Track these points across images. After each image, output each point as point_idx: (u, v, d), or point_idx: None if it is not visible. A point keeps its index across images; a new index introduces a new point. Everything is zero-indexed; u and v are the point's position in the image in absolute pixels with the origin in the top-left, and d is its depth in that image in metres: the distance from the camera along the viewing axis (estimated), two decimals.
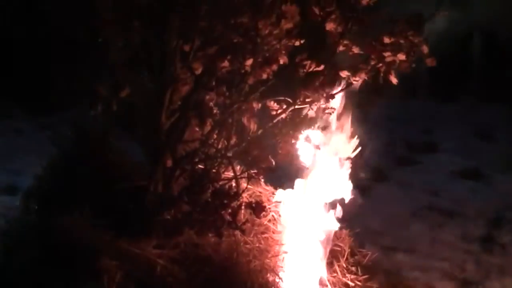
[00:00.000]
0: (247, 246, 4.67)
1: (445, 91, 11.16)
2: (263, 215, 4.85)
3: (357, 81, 4.79)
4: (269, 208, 5.01)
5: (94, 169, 4.70)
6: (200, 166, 4.62)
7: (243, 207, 4.46)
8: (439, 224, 6.98)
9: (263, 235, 4.78)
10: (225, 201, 4.26)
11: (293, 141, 4.65)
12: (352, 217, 6.62)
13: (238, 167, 4.62)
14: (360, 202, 5.35)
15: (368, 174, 7.87)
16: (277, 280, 4.59)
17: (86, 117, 4.64)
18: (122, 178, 4.60)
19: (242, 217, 4.54)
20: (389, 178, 8.23)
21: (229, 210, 4.28)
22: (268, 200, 5.12)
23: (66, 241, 4.35)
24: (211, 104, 4.62)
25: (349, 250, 5.16)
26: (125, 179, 4.59)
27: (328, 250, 4.81)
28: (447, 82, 10.93)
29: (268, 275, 4.60)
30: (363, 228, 6.53)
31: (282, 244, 4.76)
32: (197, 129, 4.65)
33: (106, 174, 4.66)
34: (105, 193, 4.59)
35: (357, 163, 5.01)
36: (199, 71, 4.57)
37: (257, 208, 4.41)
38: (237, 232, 4.56)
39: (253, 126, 4.68)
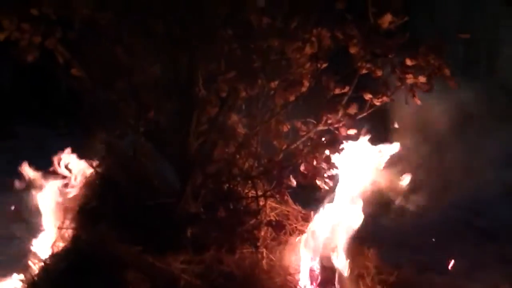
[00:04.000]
0: (270, 262, 4.76)
1: None
2: (289, 233, 4.96)
3: (380, 103, 4.92)
4: (296, 227, 5.10)
5: (125, 186, 4.90)
6: (225, 184, 4.79)
7: (263, 225, 4.58)
8: (478, 244, 6.95)
9: (286, 252, 4.86)
10: (243, 219, 4.39)
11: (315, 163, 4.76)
12: (389, 234, 6.78)
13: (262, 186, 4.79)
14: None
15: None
16: None
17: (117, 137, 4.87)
18: (150, 195, 4.79)
19: (263, 234, 4.67)
20: None
21: (247, 228, 4.41)
22: (295, 219, 5.20)
23: (95, 253, 4.56)
24: (236, 125, 4.81)
25: (375, 268, 5.19)
26: (154, 196, 4.77)
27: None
28: None
29: None
30: (400, 246, 6.64)
31: (305, 262, 4.83)
32: (223, 149, 4.85)
33: (135, 191, 4.86)
34: (135, 209, 4.78)
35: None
36: (224, 93, 4.77)
37: (277, 226, 4.54)
38: (262, 249, 4.72)
39: (278, 146, 4.86)
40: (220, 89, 4.76)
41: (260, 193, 4.73)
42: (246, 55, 4.64)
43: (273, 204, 5.04)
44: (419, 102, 4.93)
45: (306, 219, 5.13)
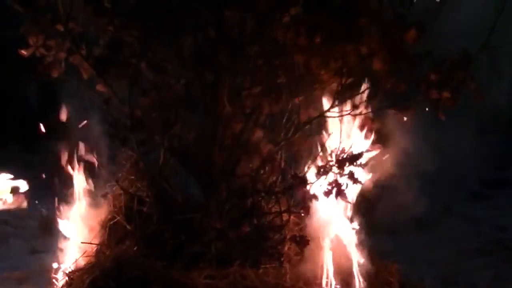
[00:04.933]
0: (294, 277, 4.76)
1: None
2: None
3: (405, 118, 4.91)
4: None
5: (149, 202, 4.93)
6: (249, 200, 4.80)
7: (287, 240, 4.59)
8: (503, 260, 6.93)
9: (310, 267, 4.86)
10: (267, 235, 4.41)
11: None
12: (413, 250, 6.77)
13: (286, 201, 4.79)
14: None
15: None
16: None
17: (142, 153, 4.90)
18: (175, 211, 4.81)
19: (287, 249, 4.67)
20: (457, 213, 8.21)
21: (271, 243, 4.42)
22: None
23: (119, 269, 4.58)
24: (260, 140, 4.82)
25: (399, 283, 5.17)
26: (179, 211, 4.79)
27: None
28: None
29: None
30: (425, 261, 6.63)
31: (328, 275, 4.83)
32: (248, 164, 4.86)
33: (160, 206, 4.88)
34: (160, 225, 4.81)
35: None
36: (248, 109, 4.78)
37: (301, 241, 4.55)
38: (286, 264, 4.72)
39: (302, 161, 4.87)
40: (244, 105, 4.77)
41: (283, 208, 4.70)
42: (271, 71, 4.66)
43: (297, 220, 5.02)
44: (443, 118, 4.90)
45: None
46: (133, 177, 5.02)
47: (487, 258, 6.97)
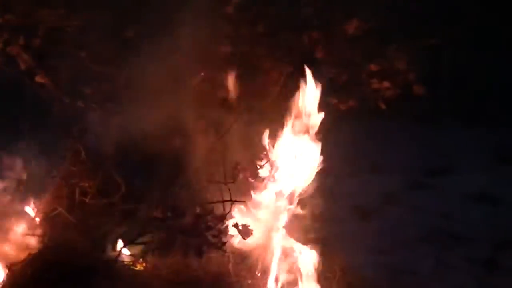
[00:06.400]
0: (238, 266, 4.78)
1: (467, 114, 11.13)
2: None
3: (346, 107, 4.96)
4: None
5: (90, 192, 4.90)
6: (192, 189, 4.81)
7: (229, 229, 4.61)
8: (445, 247, 7.01)
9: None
10: (209, 224, 4.42)
11: None
12: (356, 238, 6.83)
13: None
14: None
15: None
16: None
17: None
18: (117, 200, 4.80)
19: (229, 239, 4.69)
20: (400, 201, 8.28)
21: (214, 233, 4.44)
22: None
23: (62, 261, 4.56)
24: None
25: (341, 270, 5.21)
26: (119, 201, 4.78)
27: None
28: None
29: None
30: (367, 249, 6.69)
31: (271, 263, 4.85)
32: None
33: (102, 196, 4.87)
34: (100, 215, 4.79)
35: None
36: None
37: (244, 230, 4.56)
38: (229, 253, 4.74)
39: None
40: None
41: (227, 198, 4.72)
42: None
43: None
44: (383, 107, 4.97)
45: None
46: (74, 167, 4.96)
47: (430, 246, 7.03)
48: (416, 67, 4.97)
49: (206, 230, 4.45)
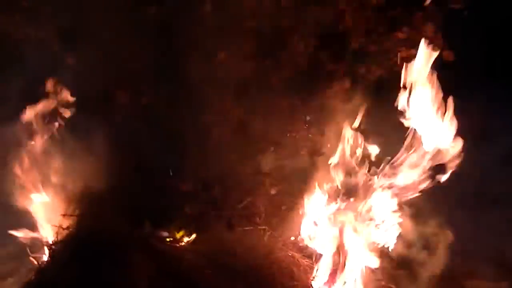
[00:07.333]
0: (271, 238, 4.81)
1: None
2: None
3: (374, 77, 4.95)
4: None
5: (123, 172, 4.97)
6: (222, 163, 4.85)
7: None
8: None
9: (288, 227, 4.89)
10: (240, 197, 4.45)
11: None
12: None
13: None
14: None
15: None
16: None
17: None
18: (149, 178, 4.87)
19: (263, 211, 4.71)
20: None
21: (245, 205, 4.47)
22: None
23: (99, 239, 4.64)
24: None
25: None
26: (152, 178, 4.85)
27: None
28: None
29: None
30: None
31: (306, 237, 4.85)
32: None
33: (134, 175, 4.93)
34: (135, 193, 4.86)
35: None
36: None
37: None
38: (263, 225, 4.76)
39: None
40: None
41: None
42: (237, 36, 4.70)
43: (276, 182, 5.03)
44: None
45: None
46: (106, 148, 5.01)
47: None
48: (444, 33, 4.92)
49: (237, 204, 4.47)
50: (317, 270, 4.67)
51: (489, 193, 7.06)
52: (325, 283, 4.64)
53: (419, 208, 5.12)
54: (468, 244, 5.97)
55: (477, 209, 6.79)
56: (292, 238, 4.75)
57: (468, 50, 5.51)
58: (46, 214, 5.07)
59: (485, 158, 8.07)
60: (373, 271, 4.73)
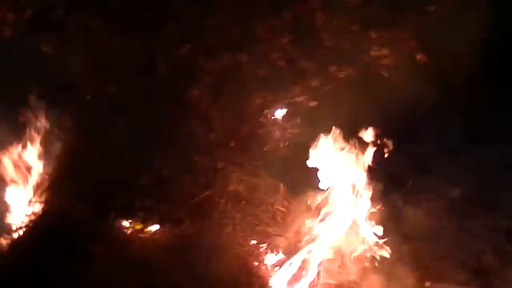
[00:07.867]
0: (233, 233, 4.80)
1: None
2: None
3: (344, 75, 4.92)
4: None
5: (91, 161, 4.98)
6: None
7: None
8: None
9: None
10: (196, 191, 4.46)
11: None
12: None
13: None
14: None
15: None
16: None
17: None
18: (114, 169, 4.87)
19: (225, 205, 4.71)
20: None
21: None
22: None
23: (64, 227, 4.66)
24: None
25: None
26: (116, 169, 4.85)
27: None
28: None
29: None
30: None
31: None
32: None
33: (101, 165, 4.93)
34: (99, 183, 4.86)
35: None
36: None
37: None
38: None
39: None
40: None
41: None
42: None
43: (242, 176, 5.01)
44: (386, 75, 4.92)
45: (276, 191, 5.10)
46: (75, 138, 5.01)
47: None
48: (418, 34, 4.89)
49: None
50: (278, 267, 4.69)
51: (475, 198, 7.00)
52: (286, 282, 4.65)
53: None
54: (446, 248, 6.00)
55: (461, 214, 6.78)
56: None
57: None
58: (13, 200, 5.09)
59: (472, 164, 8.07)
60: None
